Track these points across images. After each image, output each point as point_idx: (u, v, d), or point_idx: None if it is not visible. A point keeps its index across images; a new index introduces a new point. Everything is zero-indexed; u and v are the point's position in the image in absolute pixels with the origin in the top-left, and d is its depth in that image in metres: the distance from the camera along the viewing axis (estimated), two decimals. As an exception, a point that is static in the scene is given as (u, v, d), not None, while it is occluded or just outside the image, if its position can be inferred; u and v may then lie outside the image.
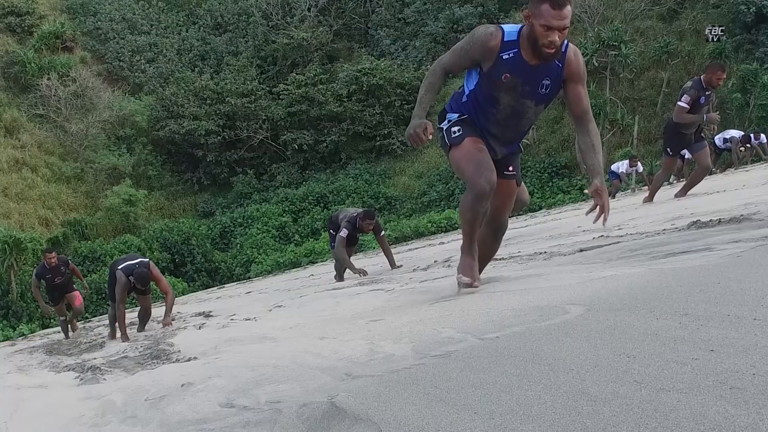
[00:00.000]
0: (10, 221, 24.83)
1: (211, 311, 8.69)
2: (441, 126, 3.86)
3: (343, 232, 8.89)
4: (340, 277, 9.34)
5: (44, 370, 6.13)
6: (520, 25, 3.46)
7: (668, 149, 8.55)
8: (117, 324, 7.87)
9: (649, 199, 8.73)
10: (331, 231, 9.61)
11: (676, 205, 7.47)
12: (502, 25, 3.50)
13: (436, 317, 3.31)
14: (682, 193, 8.53)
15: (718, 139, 15.13)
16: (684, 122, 8.02)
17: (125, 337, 7.49)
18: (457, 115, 3.79)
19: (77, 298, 10.10)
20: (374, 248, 17.06)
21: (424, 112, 3.58)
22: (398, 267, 8.86)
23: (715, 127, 8.79)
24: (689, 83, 8.17)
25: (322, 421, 1.95)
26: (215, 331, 5.92)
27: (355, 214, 9.03)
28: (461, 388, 1.87)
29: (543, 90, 3.51)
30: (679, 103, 8.05)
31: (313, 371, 2.69)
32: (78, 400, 3.76)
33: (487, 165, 3.55)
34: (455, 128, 3.73)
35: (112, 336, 8.14)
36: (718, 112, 8.84)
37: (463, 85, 3.79)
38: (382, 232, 9.33)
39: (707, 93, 7.95)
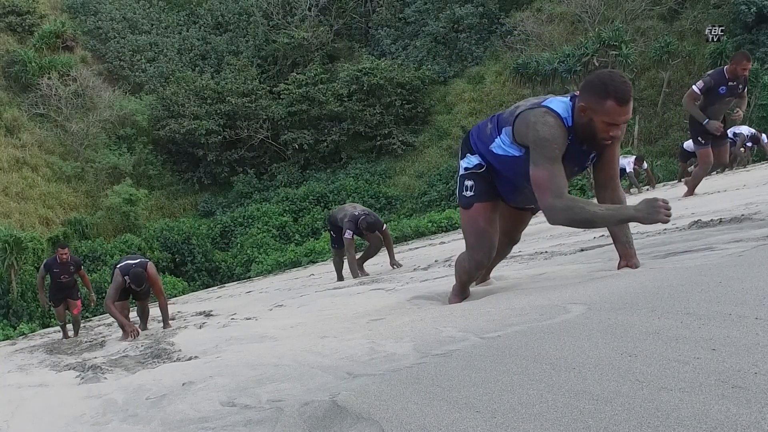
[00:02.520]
0: (10, 220, 24.84)
1: (211, 310, 8.69)
2: (460, 163, 3.64)
3: (348, 234, 8.86)
4: (339, 276, 9.33)
5: (45, 369, 6.13)
6: (567, 107, 3.14)
7: (699, 138, 8.10)
8: (120, 323, 7.67)
9: (690, 193, 8.36)
10: (332, 233, 9.52)
11: (677, 205, 7.45)
12: (551, 108, 3.14)
13: (437, 316, 3.31)
14: (690, 192, 8.31)
15: (729, 132, 15.02)
16: (687, 110, 7.72)
17: (131, 328, 7.33)
18: (477, 161, 3.51)
19: (77, 307, 10.10)
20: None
21: (623, 207, 3.16)
22: (398, 266, 8.85)
23: (740, 113, 8.18)
24: (710, 72, 7.84)
25: (323, 419, 1.95)
26: (216, 331, 5.93)
27: (356, 213, 8.98)
28: (463, 387, 1.87)
29: (589, 162, 3.32)
30: (692, 87, 7.73)
31: (314, 370, 2.69)
32: (79, 398, 3.76)
33: (489, 240, 3.52)
34: (469, 183, 3.52)
35: (125, 338, 7.58)
36: (738, 111, 8.22)
37: (495, 130, 3.40)
38: (384, 227, 9.28)
39: (731, 84, 7.54)
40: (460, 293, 3.85)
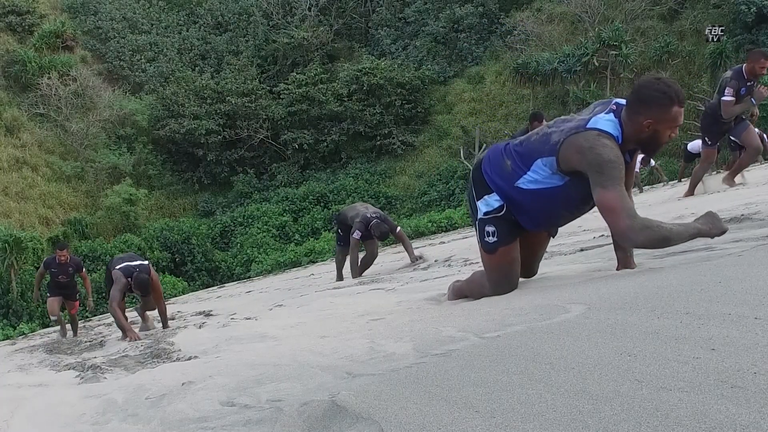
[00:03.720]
0: (10, 220, 24.83)
1: (211, 310, 8.69)
2: (477, 205, 3.45)
3: (356, 234, 8.69)
4: (339, 275, 9.28)
5: (44, 368, 6.13)
6: (616, 125, 3.06)
7: (706, 139, 7.98)
8: (121, 326, 7.51)
9: (690, 193, 8.20)
10: (340, 231, 9.33)
11: (677, 205, 7.47)
12: (602, 129, 3.05)
13: (437, 316, 3.31)
14: (730, 179, 7.96)
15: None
16: (733, 115, 7.51)
17: (133, 334, 7.33)
18: (498, 203, 3.36)
19: (74, 307, 10.12)
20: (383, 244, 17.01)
21: (691, 224, 3.06)
22: (419, 259, 8.58)
23: (756, 113, 7.89)
24: (729, 73, 7.66)
25: (323, 419, 1.95)
26: (216, 330, 5.93)
27: (368, 216, 8.78)
28: (462, 387, 1.87)
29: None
30: (723, 98, 7.51)
31: (313, 370, 2.69)
32: (78, 398, 3.76)
33: (514, 276, 3.47)
34: (490, 229, 3.39)
35: (124, 339, 7.59)
36: (755, 111, 7.90)
37: (519, 166, 3.25)
38: (398, 229, 9.06)
39: (749, 83, 7.44)
40: (459, 294, 3.85)
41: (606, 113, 3.10)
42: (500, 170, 3.32)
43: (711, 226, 2.97)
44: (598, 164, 2.96)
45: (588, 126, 3.06)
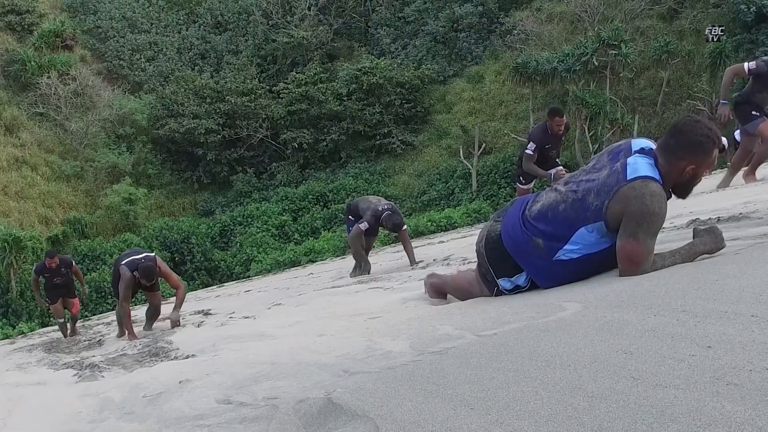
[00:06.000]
0: (9, 219, 24.81)
1: (210, 309, 8.70)
2: (499, 282, 3.29)
3: (363, 225, 8.59)
4: (363, 266, 9.00)
5: (43, 367, 6.13)
6: (654, 168, 2.92)
7: (753, 113, 7.52)
8: (126, 329, 7.58)
9: (725, 185, 7.88)
10: (350, 216, 9.20)
11: (676, 203, 7.45)
12: (649, 176, 2.88)
13: (434, 314, 3.31)
14: (751, 174, 7.64)
15: (736, 134, 14.86)
16: (724, 80, 7.36)
17: (132, 336, 7.35)
18: (525, 282, 3.24)
19: (75, 305, 10.24)
20: (382, 243, 16.99)
21: (692, 246, 3.00)
22: (417, 263, 8.54)
23: None
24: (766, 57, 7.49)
25: (318, 416, 1.95)
26: (214, 329, 5.93)
27: (380, 209, 8.68)
28: (458, 384, 1.87)
29: None
30: (744, 62, 7.34)
31: (310, 368, 2.69)
32: (76, 397, 3.76)
33: None
34: (508, 295, 3.31)
35: (121, 335, 7.80)
36: None
37: (555, 240, 3.05)
38: (404, 227, 8.93)
39: None
40: (440, 295, 3.85)
41: (643, 156, 2.95)
42: (532, 249, 3.13)
43: (712, 246, 2.96)
44: (641, 214, 2.82)
45: (629, 177, 2.88)
